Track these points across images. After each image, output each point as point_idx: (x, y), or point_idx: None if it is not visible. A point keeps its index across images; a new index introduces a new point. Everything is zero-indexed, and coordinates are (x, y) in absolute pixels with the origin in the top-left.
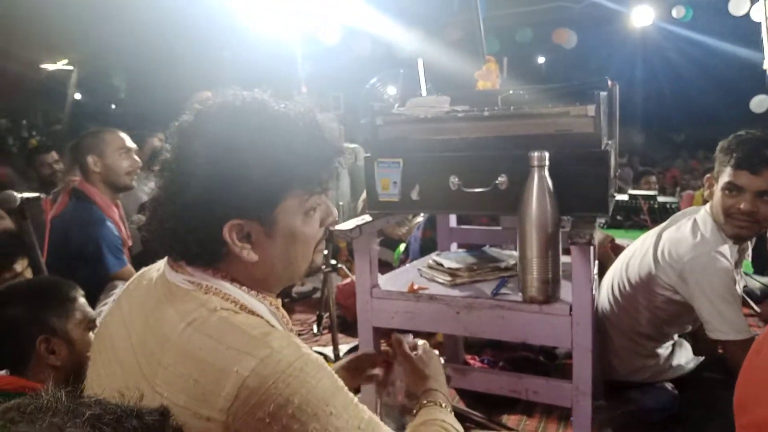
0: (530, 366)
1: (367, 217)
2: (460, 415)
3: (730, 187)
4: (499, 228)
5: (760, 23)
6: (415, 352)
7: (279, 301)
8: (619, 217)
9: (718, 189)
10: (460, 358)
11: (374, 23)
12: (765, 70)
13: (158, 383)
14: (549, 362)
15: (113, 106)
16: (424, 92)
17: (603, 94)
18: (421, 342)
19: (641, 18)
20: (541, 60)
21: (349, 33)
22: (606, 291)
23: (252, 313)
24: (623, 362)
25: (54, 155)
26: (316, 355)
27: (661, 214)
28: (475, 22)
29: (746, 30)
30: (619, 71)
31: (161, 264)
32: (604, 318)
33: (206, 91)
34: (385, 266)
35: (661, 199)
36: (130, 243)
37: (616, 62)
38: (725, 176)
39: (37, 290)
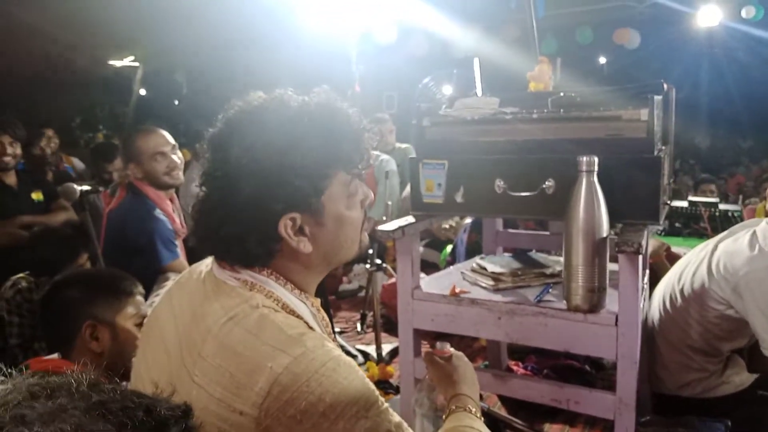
0: (575, 375)
1: (411, 218)
2: (500, 422)
3: None
4: (547, 233)
5: None
6: (441, 357)
7: (319, 301)
8: (677, 225)
9: None
10: (502, 364)
11: (431, 21)
12: None
13: (197, 374)
14: (595, 372)
15: (176, 102)
16: (479, 92)
17: (658, 98)
18: (453, 351)
19: (708, 18)
20: (602, 60)
21: (406, 32)
22: (657, 301)
23: (292, 313)
24: (672, 376)
25: (118, 164)
26: (349, 357)
27: (722, 223)
28: (529, 21)
29: None
30: (684, 73)
31: (210, 260)
32: (653, 329)
33: (259, 92)
34: (432, 267)
35: (722, 206)
36: (184, 235)
37: (680, 64)
38: None
39: (97, 278)
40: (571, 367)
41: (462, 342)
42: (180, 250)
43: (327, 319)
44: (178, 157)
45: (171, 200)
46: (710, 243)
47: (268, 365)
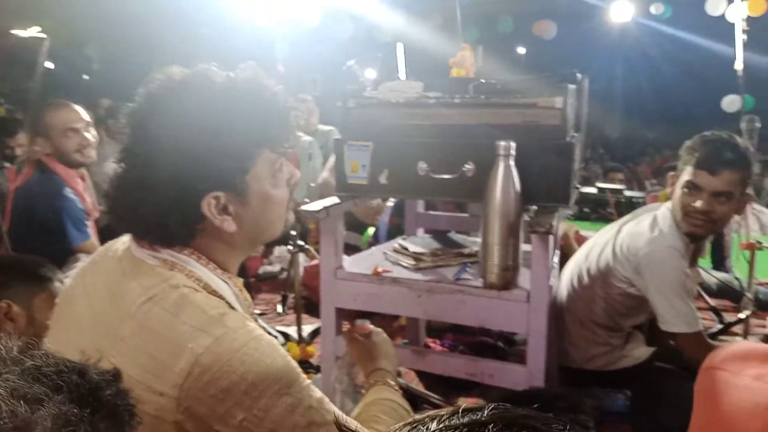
0: (489, 351)
1: (335, 199)
2: (417, 397)
3: (689, 186)
4: (466, 215)
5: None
6: (361, 333)
7: (241, 281)
8: (586, 209)
9: (678, 187)
10: (421, 341)
11: (355, 5)
12: (736, 71)
13: (113, 354)
14: (508, 348)
15: (86, 77)
16: (402, 76)
17: (572, 87)
18: (373, 328)
19: (620, 13)
20: (521, 51)
21: (330, 15)
22: (566, 280)
23: (214, 293)
24: (578, 350)
25: (20, 139)
26: (270, 336)
27: (627, 209)
28: (453, 8)
29: (723, 29)
30: (599, 66)
31: (127, 238)
32: (562, 306)
33: (177, 67)
34: (354, 250)
35: (628, 193)
36: (96, 215)
37: (596, 57)
38: (686, 175)
39: (16, 262)
40: (485, 343)
41: (383, 321)
42: (92, 231)
43: (249, 300)
44: (92, 135)
45: (82, 178)
46: (615, 225)
47: (188, 346)
